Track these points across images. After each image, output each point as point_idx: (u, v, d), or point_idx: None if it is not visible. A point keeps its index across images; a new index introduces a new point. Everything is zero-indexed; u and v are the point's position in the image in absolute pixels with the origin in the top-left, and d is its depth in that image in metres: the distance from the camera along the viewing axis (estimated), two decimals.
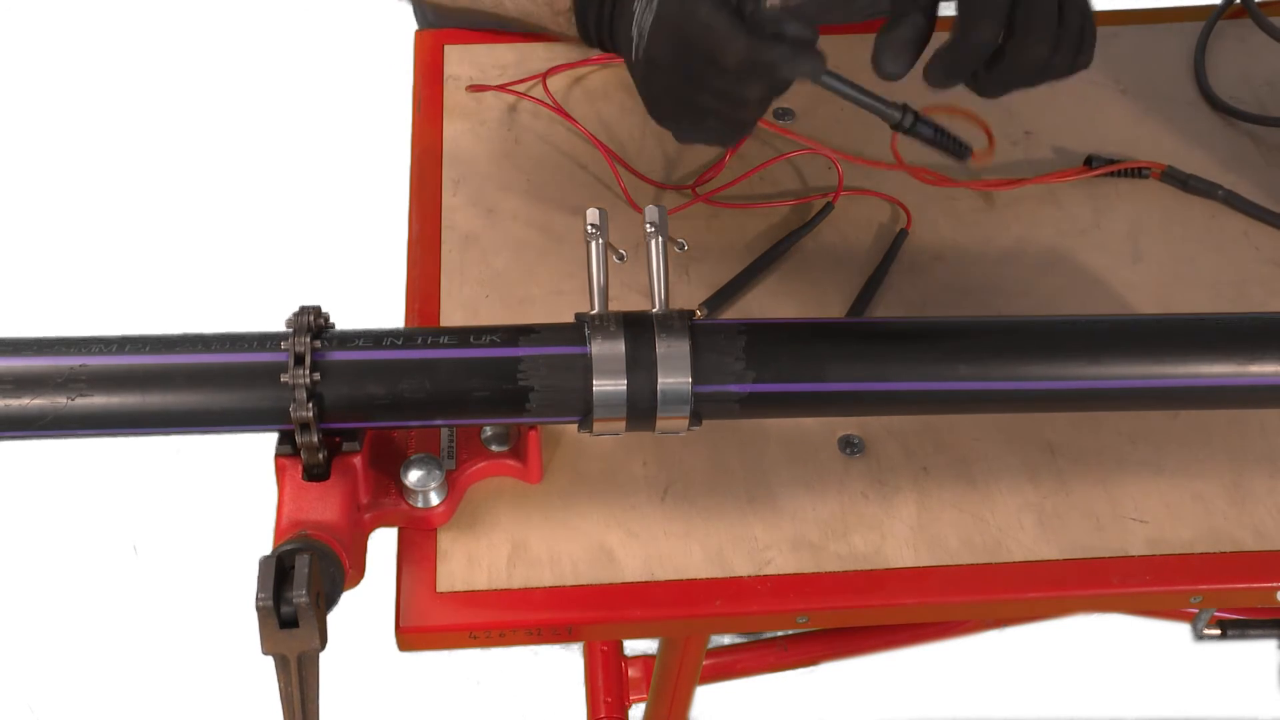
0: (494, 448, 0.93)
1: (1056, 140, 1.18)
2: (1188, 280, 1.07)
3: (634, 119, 1.18)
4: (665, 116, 0.76)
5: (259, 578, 0.75)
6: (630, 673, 1.46)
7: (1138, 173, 1.13)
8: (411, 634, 0.88)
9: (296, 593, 0.75)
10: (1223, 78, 1.23)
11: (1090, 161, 1.14)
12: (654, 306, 0.87)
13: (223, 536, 1.62)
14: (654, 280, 0.88)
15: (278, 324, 0.85)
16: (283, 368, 0.82)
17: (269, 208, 2.20)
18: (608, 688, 1.44)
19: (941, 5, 0.88)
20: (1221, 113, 1.19)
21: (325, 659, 0.79)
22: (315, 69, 2.64)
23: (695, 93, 0.73)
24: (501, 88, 1.18)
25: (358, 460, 0.87)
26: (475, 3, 0.85)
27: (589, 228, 0.87)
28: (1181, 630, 1.59)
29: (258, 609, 0.75)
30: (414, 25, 1.30)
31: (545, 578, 0.90)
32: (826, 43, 0.84)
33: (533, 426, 0.92)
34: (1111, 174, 1.14)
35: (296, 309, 0.84)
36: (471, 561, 0.90)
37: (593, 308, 0.86)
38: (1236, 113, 1.18)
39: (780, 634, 1.46)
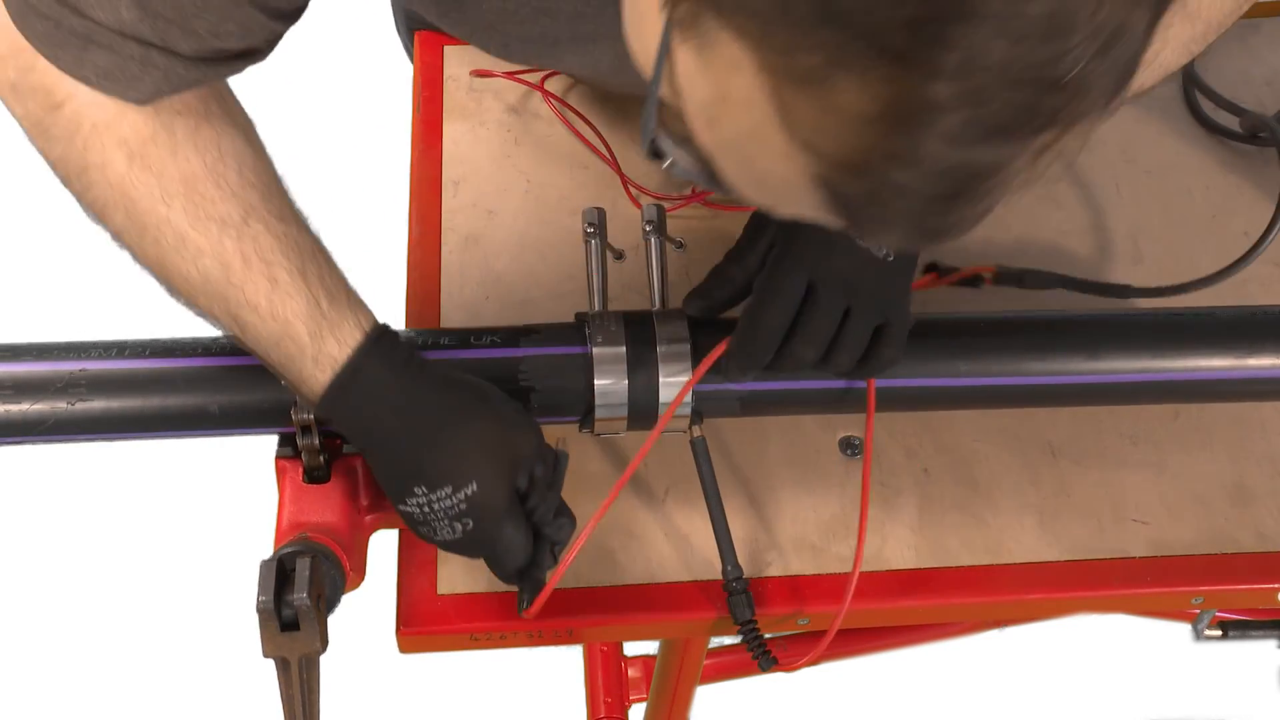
0: None
1: None
2: (1188, 279, 1.07)
3: (634, 119, 1.17)
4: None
5: (260, 580, 0.75)
6: (630, 673, 1.46)
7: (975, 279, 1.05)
8: (412, 636, 0.88)
9: (297, 595, 0.74)
10: (1223, 77, 1.22)
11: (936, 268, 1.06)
12: (654, 306, 0.87)
13: (223, 539, 1.62)
14: (653, 280, 0.87)
15: None
16: None
17: None
18: (608, 688, 1.43)
19: None
20: (1207, 128, 1.19)
21: (326, 661, 0.79)
22: (315, 68, 2.63)
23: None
24: (508, 75, 1.17)
25: (359, 462, 0.87)
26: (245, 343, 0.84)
27: (587, 227, 0.87)
28: (1182, 630, 1.58)
29: (259, 612, 0.75)
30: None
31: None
32: None
33: None
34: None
35: None
36: (472, 564, 0.89)
37: (592, 307, 0.86)
38: (1220, 129, 1.18)
39: (780, 634, 1.46)
